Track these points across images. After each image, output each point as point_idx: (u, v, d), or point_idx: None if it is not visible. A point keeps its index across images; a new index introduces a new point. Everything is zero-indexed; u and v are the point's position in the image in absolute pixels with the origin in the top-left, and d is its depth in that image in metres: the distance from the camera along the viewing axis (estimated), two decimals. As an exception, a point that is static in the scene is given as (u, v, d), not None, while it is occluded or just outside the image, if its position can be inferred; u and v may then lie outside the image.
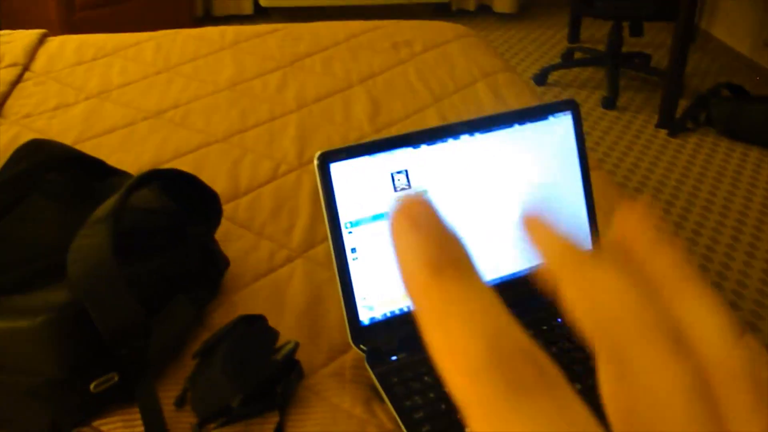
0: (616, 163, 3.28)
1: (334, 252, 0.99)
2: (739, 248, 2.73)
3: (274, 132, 1.76)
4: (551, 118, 1.14)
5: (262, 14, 4.71)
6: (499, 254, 1.10)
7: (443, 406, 0.95)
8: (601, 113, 3.75)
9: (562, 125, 1.15)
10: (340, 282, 1.00)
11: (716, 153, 3.38)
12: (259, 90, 1.99)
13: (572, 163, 1.16)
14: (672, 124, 3.58)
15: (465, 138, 1.07)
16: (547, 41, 4.65)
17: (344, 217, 0.99)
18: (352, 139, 1.72)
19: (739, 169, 3.25)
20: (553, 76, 4.15)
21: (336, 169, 0.99)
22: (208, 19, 4.59)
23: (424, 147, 1.04)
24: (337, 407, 1.01)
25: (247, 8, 4.73)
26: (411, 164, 1.03)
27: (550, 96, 3.89)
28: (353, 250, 1.00)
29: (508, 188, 1.10)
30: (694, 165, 3.28)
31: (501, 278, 1.10)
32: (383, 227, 1.02)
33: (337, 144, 1.56)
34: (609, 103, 3.82)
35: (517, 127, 1.11)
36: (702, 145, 3.44)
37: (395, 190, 1.02)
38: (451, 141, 1.06)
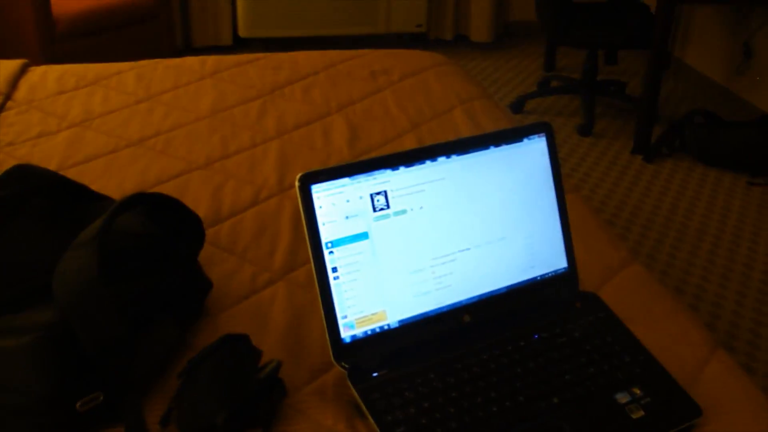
0: (593, 189, 3.32)
1: (316, 271, 1.02)
2: (714, 271, 2.77)
3: (255, 158, 1.79)
4: (526, 141, 1.17)
5: (241, 45, 4.75)
6: (479, 272, 1.13)
7: (423, 421, 0.97)
8: (578, 140, 3.80)
9: (536, 147, 1.18)
10: (322, 300, 1.02)
11: (691, 178, 3.44)
12: (240, 118, 2.01)
13: (547, 184, 1.19)
14: (647, 149, 3.63)
15: (442, 160, 1.10)
16: (523, 70, 4.71)
17: (325, 237, 1.02)
18: (331, 165, 1.75)
19: (714, 194, 3.30)
20: (529, 104, 4.21)
21: (317, 190, 1.01)
22: (187, 50, 4.63)
23: (402, 169, 1.07)
24: (320, 424, 1.03)
25: (226, 39, 4.76)
26: (390, 185, 1.06)
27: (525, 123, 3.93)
28: (334, 269, 1.02)
29: (485, 208, 1.13)
30: (669, 190, 3.33)
31: (480, 295, 1.13)
32: (364, 247, 1.04)
33: (318, 169, 1.59)
34: (585, 130, 3.87)
35: (492, 149, 1.15)
36: (677, 170, 3.50)
37: (374, 210, 1.05)
38: (428, 163, 1.09)
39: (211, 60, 2.43)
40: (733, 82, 4.15)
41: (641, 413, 1.02)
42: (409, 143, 1.88)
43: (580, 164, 3.55)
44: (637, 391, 1.05)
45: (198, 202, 1.55)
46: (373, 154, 1.82)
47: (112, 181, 1.66)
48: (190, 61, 2.43)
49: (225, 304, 1.27)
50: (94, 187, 1.29)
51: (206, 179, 1.69)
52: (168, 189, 1.62)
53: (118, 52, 3.77)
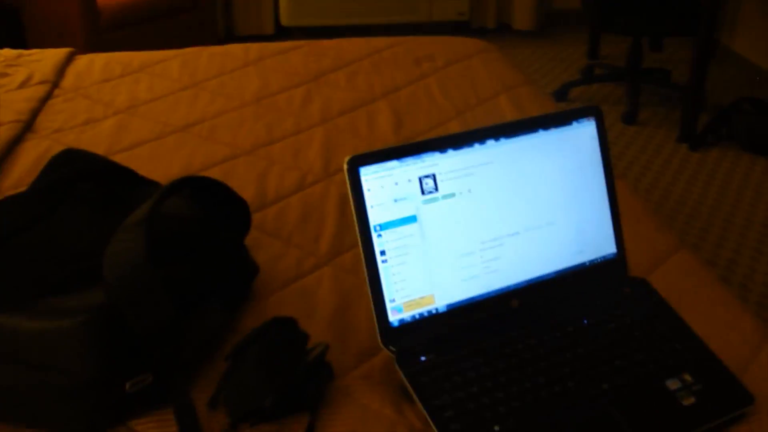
0: (638, 177, 3.29)
1: (364, 254, 1.01)
2: (762, 260, 2.73)
3: (300, 144, 1.79)
4: (575, 124, 1.16)
5: (283, 33, 4.76)
6: (527, 256, 1.12)
7: (472, 405, 0.96)
8: (622, 128, 3.76)
9: (585, 131, 1.17)
10: (370, 284, 1.02)
11: (738, 167, 3.39)
12: (285, 104, 2.01)
13: (596, 168, 1.18)
14: (693, 138, 3.58)
15: (490, 143, 1.09)
16: (567, 58, 4.67)
17: (373, 220, 1.01)
18: (376, 151, 1.74)
19: (762, 183, 3.25)
20: (573, 93, 4.17)
21: (365, 173, 1.01)
22: (230, 39, 4.64)
23: (450, 151, 1.06)
24: (367, 407, 1.02)
25: (269, 28, 4.78)
26: (438, 168, 1.05)
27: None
28: (382, 252, 1.02)
29: (534, 192, 1.12)
30: (715, 179, 3.28)
31: (528, 280, 1.12)
32: (412, 230, 1.04)
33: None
34: (629, 118, 3.83)
35: (541, 132, 1.13)
36: (723, 159, 3.45)
37: (423, 193, 1.04)
38: (477, 146, 1.08)
39: (254, 47, 2.43)
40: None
41: (692, 400, 1.01)
42: (454, 129, 1.86)
43: (625, 152, 3.52)
44: (688, 378, 1.04)
45: (243, 188, 1.55)
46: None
47: (159, 167, 1.67)
48: (234, 49, 2.43)
49: (271, 288, 1.27)
50: (140, 172, 1.29)
51: (251, 165, 1.69)
52: (213, 174, 1.61)
53: (162, 41, 3.79)
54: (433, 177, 1.05)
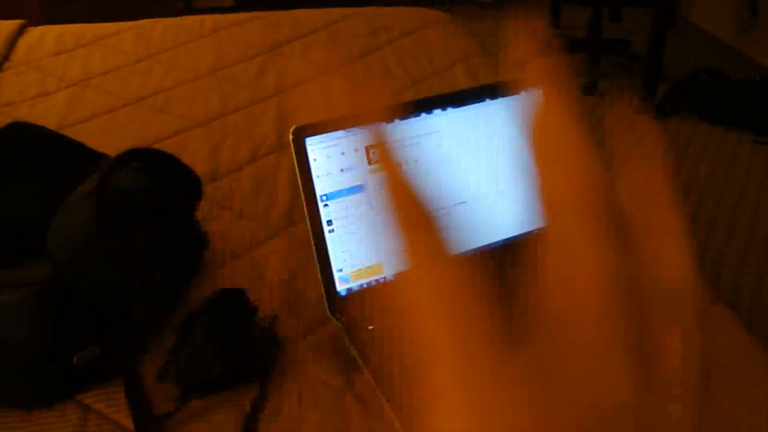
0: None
1: (310, 224, 1.01)
2: (717, 228, 2.76)
3: (254, 116, 1.78)
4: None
5: (242, 6, 4.72)
6: (476, 225, 1.12)
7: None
8: (581, 99, 3.77)
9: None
10: (317, 253, 1.02)
11: (696, 137, 3.42)
12: (240, 76, 2.00)
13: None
14: (652, 107, 3.61)
15: (437, 112, 1.10)
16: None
17: (320, 190, 1.01)
18: (331, 122, 1.74)
19: (718, 152, 3.28)
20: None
21: (311, 143, 1.01)
22: (188, 11, 4.59)
23: (397, 121, 1.06)
24: (317, 377, 1.03)
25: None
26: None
27: (530, 83, 3.90)
28: (329, 222, 1.02)
29: (482, 161, 1.13)
30: (673, 149, 3.31)
31: (477, 248, 1.12)
32: (359, 200, 1.04)
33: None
34: (589, 90, 3.85)
35: (489, 101, 1.13)
36: (681, 129, 3.48)
37: (369, 163, 1.05)
38: (423, 115, 1.09)
39: (210, 19, 2.41)
40: (739, 40, 4.11)
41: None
42: (409, 97, 1.86)
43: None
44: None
45: (196, 160, 1.55)
46: (373, 112, 1.81)
47: (112, 139, 1.66)
48: (190, 20, 2.41)
49: (222, 260, 1.27)
50: (92, 145, 1.28)
51: (205, 137, 1.68)
52: (167, 147, 1.61)
53: (117, 12, 3.75)
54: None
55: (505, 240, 1.15)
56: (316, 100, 1.82)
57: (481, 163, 1.13)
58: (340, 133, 1.02)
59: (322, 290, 1.03)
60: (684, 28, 4.58)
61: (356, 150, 1.03)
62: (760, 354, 1.07)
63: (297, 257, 1.27)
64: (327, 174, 1.02)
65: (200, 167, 1.51)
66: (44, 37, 2.29)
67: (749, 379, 1.03)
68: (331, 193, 1.02)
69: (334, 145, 1.02)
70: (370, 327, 1.03)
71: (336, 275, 1.03)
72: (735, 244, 2.68)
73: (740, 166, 3.18)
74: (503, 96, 1.15)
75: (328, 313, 1.04)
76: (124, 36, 2.28)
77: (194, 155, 1.58)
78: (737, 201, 2.93)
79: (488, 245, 1.14)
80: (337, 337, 1.06)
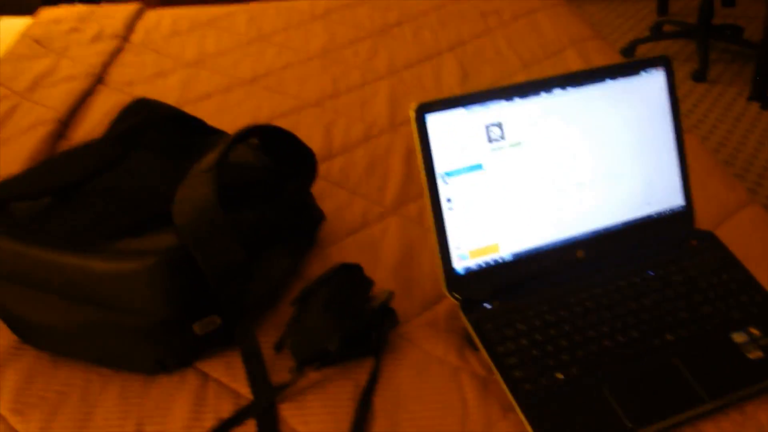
0: (707, 136, 3.23)
1: (430, 201, 1.01)
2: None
3: (365, 97, 1.79)
4: (643, 74, 1.14)
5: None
6: (593, 207, 1.11)
7: (535, 352, 0.97)
8: (692, 86, 3.69)
9: (655, 81, 1.15)
10: (436, 230, 1.02)
11: (811, 126, 3.31)
12: (351, 57, 2.02)
13: (665, 119, 1.16)
14: (765, 97, 3.50)
15: (558, 92, 1.08)
16: (635, 14, 4.59)
17: (440, 168, 1.01)
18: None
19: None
20: (641, 49, 4.10)
21: (432, 120, 1.01)
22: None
23: (517, 100, 1.06)
24: (431, 354, 1.03)
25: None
26: (505, 117, 1.05)
27: (639, 69, 3.83)
28: (448, 200, 1.02)
29: (601, 142, 1.11)
30: (787, 138, 3.22)
31: (594, 230, 1.11)
32: (478, 178, 1.04)
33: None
34: (699, 76, 3.76)
35: (609, 82, 1.12)
36: (796, 118, 3.37)
37: (489, 141, 1.04)
38: (543, 95, 1.08)
39: (321, 2, 2.44)
40: None
41: (759, 354, 1.00)
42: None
43: (693, 110, 3.45)
44: (755, 332, 1.03)
45: (310, 139, 1.56)
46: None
47: (226, 117, 1.69)
48: (300, 4, 2.44)
49: (337, 236, 1.28)
50: (209, 123, 1.31)
51: (318, 117, 1.70)
52: (280, 125, 1.64)
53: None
54: (500, 125, 1.05)
55: (622, 223, 1.13)
56: (427, 83, 1.83)
57: (601, 144, 1.11)
58: (461, 110, 1.02)
59: (440, 267, 1.03)
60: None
61: (476, 128, 1.03)
62: None
63: (411, 235, 1.28)
64: (447, 151, 1.02)
65: (314, 146, 1.52)
66: (161, 19, 2.34)
67: None
68: (451, 171, 1.02)
69: (454, 123, 1.02)
70: (487, 306, 1.03)
71: (453, 253, 1.03)
72: None
73: None
74: (623, 76, 1.13)
75: (445, 290, 1.04)
76: (236, 18, 2.33)
77: (307, 134, 1.59)
78: None
79: (605, 228, 1.12)
80: (454, 314, 1.06)
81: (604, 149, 1.11)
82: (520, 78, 1.87)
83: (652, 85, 1.15)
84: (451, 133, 1.02)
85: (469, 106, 1.03)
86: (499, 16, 2.28)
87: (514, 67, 1.94)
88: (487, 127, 1.04)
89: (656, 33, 4.28)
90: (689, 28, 4.14)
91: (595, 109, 1.11)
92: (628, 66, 1.14)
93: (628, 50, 4.03)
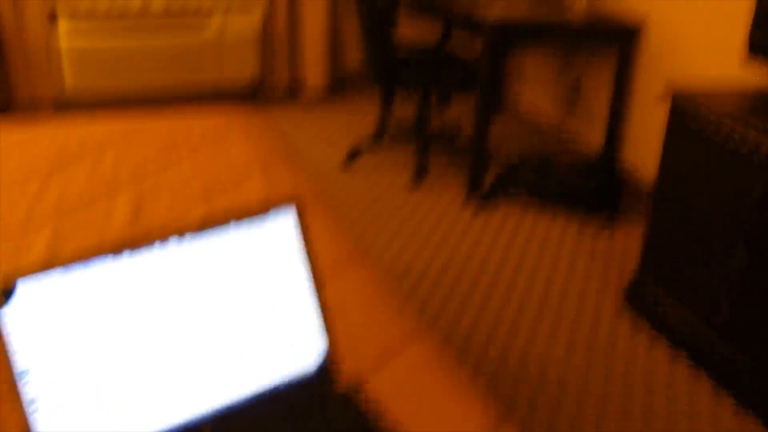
0: (425, 240, 3.26)
1: None
2: (546, 312, 2.74)
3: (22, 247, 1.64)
4: (271, 217, 1.06)
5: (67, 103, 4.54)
6: (216, 381, 1.01)
7: None
8: (409, 191, 3.75)
9: (283, 223, 1.07)
10: None
11: (524, 220, 3.43)
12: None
13: (297, 260, 1.09)
14: (479, 194, 3.62)
15: (173, 246, 0.99)
16: (359, 122, 4.65)
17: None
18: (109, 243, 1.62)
19: (547, 235, 3.31)
20: (362, 157, 4.13)
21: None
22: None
23: (123, 259, 0.95)
24: None
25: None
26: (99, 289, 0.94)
27: (357, 178, 3.85)
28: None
29: (224, 304, 1.02)
30: (502, 234, 3.31)
31: (220, 407, 1.02)
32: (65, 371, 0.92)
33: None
34: (417, 181, 3.83)
35: (234, 230, 1.04)
36: (510, 215, 3.49)
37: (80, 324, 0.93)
38: (155, 250, 0.97)
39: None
40: (565, 124, 4.21)
41: None
42: (200, 215, 1.77)
43: (411, 216, 3.49)
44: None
45: None
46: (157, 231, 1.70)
47: None
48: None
49: None
50: None
51: None
52: None
53: None
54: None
55: (251, 396, 1.04)
56: (97, 222, 1.70)
57: (225, 306, 1.02)
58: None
59: None
60: (513, 115, 4.66)
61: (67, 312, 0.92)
62: None
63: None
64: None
65: None
66: None
67: None
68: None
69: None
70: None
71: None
72: (565, 324, 2.65)
73: (567, 246, 3.20)
74: (251, 224, 1.05)
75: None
76: None
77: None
78: (565, 282, 2.93)
79: (231, 404, 1.02)
80: None
81: (228, 311, 1.03)
82: (199, 213, 1.78)
83: (281, 227, 1.07)
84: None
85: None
86: (188, 140, 2.20)
87: (196, 198, 1.85)
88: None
89: (377, 139, 4.36)
90: (409, 133, 4.24)
91: (219, 258, 1.02)
92: (256, 213, 1.06)
93: (349, 158, 4.06)
